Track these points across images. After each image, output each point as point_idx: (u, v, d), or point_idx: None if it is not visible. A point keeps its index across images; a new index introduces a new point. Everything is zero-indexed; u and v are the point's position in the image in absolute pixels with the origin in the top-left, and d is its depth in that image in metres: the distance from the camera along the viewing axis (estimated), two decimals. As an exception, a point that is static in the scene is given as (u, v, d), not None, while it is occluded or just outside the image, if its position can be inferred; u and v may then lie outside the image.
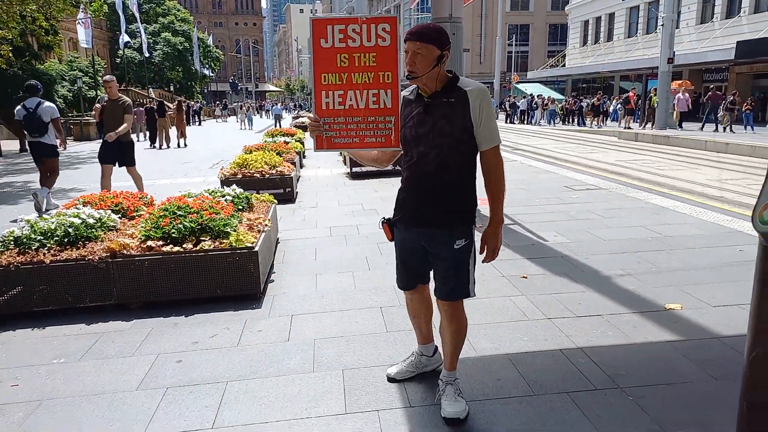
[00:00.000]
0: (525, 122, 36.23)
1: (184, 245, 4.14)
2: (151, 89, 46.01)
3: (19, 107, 8.25)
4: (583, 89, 45.15)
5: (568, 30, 50.17)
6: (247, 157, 8.89)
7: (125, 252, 4.02)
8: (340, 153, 14.03)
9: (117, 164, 8.11)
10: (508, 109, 38.95)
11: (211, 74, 66.75)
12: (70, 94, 29.25)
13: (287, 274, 4.99)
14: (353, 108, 2.66)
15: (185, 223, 4.22)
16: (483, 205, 2.71)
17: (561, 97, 40.79)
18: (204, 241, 4.21)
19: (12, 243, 4.08)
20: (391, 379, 3.02)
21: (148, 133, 21.37)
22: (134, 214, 4.99)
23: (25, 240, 4.05)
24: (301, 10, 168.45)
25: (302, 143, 14.06)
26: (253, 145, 10.92)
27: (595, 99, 30.50)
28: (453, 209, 2.54)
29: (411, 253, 2.69)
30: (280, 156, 9.63)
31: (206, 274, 4.12)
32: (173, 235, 4.16)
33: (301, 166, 12.50)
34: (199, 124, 39.56)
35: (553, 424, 2.63)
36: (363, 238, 6.16)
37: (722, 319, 3.74)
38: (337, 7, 56.12)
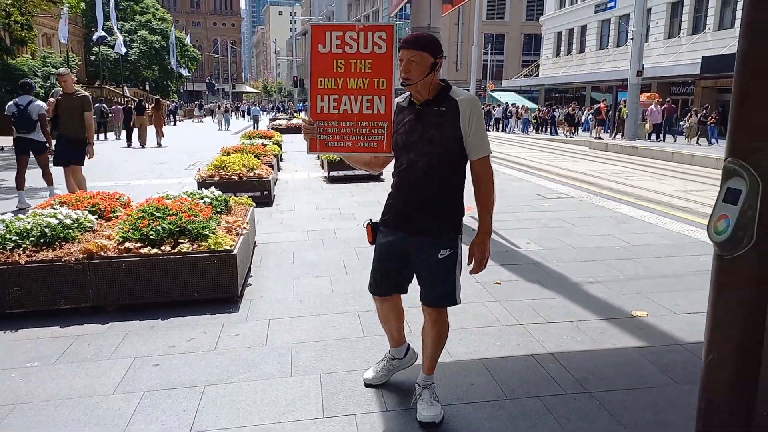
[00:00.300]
0: (499, 130, 36.67)
1: (163, 247, 4.14)
2: (126, 87, 45.27)
3: (10, 103, 8.27)
4: (555, 99, 45.90)
5: (542, 41, 51.01)
6: (225, 159, 8.87)
7: (102, 253, 4.01)
8: (318, 156, 14.05)
9: (66, 164, 7.78)
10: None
11: (187, 74, 66.01)
12: (42, 91, 28.66)
13: (265, 277, 5.02)
14: (347, 113, 2.71)
15: (164, 225, 4.23)
16: (468, 210, 2.75)
17: (534, 106, 41.43)
18: (182, 243, 4.22)
19: (-14, 243, 4.03)
20: (367, 384, 3.07)
21: (125, 132, 21.32)
22: (111, 215, 4.96)
23: None
24: (280, 12, 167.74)
25: (280, 146, 14.04)
26: (230, 146, 10.89)
27: (570, 109, 31.06)
28: (440, 217, 2.57)
29: (390, 258, 2.70)
30: (258, 158, 9.62)
31: (184, 276, 4.13)
32: (151, 236, 4.17)
33: (279, 169, 12.49)
34: (175, 124, 39.07)
35: (524, 427, 2.72)
36: (340, 243, 6.21)
37: (685, 326, 3.90)
38: (316, 11, 56.18)
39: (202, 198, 5.29)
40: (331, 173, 11.01)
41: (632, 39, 23.99)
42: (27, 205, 8.16)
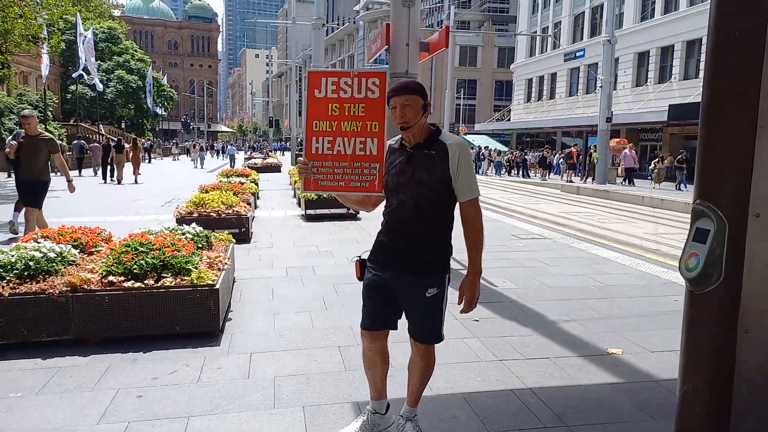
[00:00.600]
0: (473, 172, 37.30)
1: (146, 281, 4.15)
2: (101, 125, 45.09)
3: (9, 138, 9.05)
4: (526, 143, 47.15)
5: (513, 87, 52.67)
6: (204, 196, 8.91)
7: (86, 286, 4.00)
8: (295, 194, 14.14)
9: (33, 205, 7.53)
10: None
11: (163, 113, 66.05)
12: (18, 127, 28.46)
13: (245, 312, 5.03)
14: (341, 153, 2.81)
15: (147, 260, 4.25)
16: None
17: (505, 148, 42.43)
18: (166, 277, 4.24)
19: (-31, 275, 3.99)
20: None
21: (100, 169, 21.90)
22: (93, 249, 4.95)
23: (-17, 272, 3.97)
24: (257, 55, 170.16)
25: (256, 184, 14.10)
26: (209, 184, 10.92)
27: (544, 152, 31.91)
28: (428, 257, 2.62)
29: (377, 294, 2.72)
30: (236, 196, 9.67)
31: (166, 310, 4.13)
32: (135, 270, 4.18)
33: (256, 207, 12.53)
34: (149, 162, 38.91)
35: (506, 458, 2.78)
36: (319, 279, 6.26)
37: (660, 364, 4.02)
38: (293, 54, 57.13)
39: (183, 233, 5.31)
40: (308, 211, 11.07)
41: (601, 87, 24.94)
42: (16, 229, 8.33)
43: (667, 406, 3.32)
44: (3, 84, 28.45)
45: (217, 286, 4.31)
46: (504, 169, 35.61)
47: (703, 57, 28.46)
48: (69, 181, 7.78)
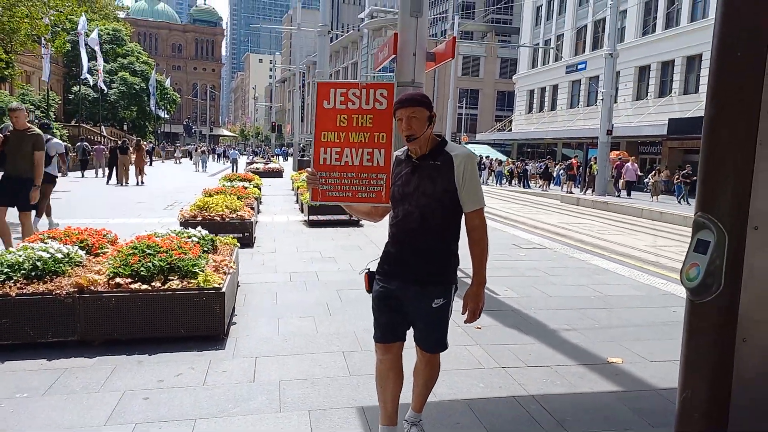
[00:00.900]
0: (473, 181, 37.49)
1: (153, 283, 4.20)
2: (103, 127, 45.25)
3: None
4: (527, 153, 47.33)
5: (515, 97, 52.88)
6: (207, 200, 8.96)
7: (93, 288, 4.05)
8: (297, 200, 14.20)
9: (9, 205, 7.02)
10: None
11: (166, 115, 66.27)
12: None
13: (249, 317, 5.07)
14: (348, 164, 2.86)
15: (154, 262, 4.30)
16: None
17: (504, 158, 42.62)
18: (172, 280, 4.29)
19: (-23, 275, 4.05)
20: None
21: (107, 170, 22.18)
22: (99, 251, 5.00)
23: (-9, 272, 4.02)
24: (260, 60, 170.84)
25: (259, 188, 14.17)
26: (212, 188, 10.97)
27: (548, 163, 32.01)
28: (435, 267, 2.62)
29: (387, 305, 2.71)
30: (240, 200, 9.73)
31: (172, 313, 4.18)
32: (142, 273, 4.23)
33: (258, 212, 12.58)
34: (150, 164, 39.01)
35: (508, 463, 2.82)
36: (323, 285, 6.31)
37: (659, 373, 4.07)
38: (297, 60, 57.30)
39: (190, 237, 5.36)
40: (311, 217, 11.13)
41: (602, 100, 25.06)
42: (56, 225, 8.62)
43: (667, 414, 3.37)
44: (6, 83, 28.63)
45: (224, 290, 4.36)
46: (505, 179, 35.72)
47: (702, 72, 28.70)
48: (36, 185, 6.95)
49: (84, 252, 4.86)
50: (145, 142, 40.94)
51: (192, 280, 4.34)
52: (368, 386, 3.62)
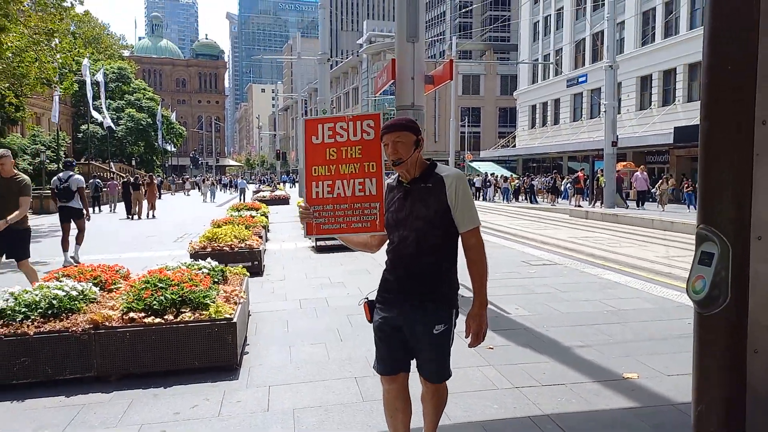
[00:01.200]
0: (479, 199, 37.56)
1: (165, 317, 4.24)
2: (111, 163, 45.85)
3: (54, 178, 9.97)
4: (533, 168, 47.34)
5: (517, 113, 53.16)
6: (216, 231, 9.05)
7: (108, 323, 4.10)
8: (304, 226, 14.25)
9: (5, 256, 6.53)
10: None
11: (172, 149, 67.06)
12: (31, 167, 29.22)
13: (261, 345, 5.09)
14: (341, 196, 2.88)
15: (166, 295, 4.35)
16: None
17: (509, 174, 42.71)
18: (184, 312, 4.33)
19: (-5, 315, 4.11)
20: None
21: (119, 205, 23.22)
22: (112, 286, 5.07)
23: (9, 312, 4.08)
24: (263, 90, 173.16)
25: (267, 217, 14.26)
26: (220, 219, 11.07)
27: (556, 177, 31.97)
28: (433, 293, 2.59)
29: (388, 335, 2.67)
30: (248, 229, 9.80)
31: (185, 345, 4.21)
32: (154, 306, 4.27)
33: (266, 240, 12.65)
34: (159, 197, 39.43)
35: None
36: (332, 311, 6.32)
37: (676, 387, 4.04)
38: (298, 88, 58.01)
39: (200, 268, 5.42)
40: (319, 243, 11.18)
41: (605, 111, 25.13)
42: (70, 263, 9.22)
43: (685, 429, 3.33)
44: (16, 125, 29.15)
45: (235, 320, 4.39)
46: (512, 195, 35.70)
47: (705, 79, 28.67)
48: (6, 222, 6.18)
49: (98, 288, 4.93)
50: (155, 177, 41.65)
51: (204, 312, 4.38)
52: (382, 411, 3.56)
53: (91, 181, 27.20)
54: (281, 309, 6.48)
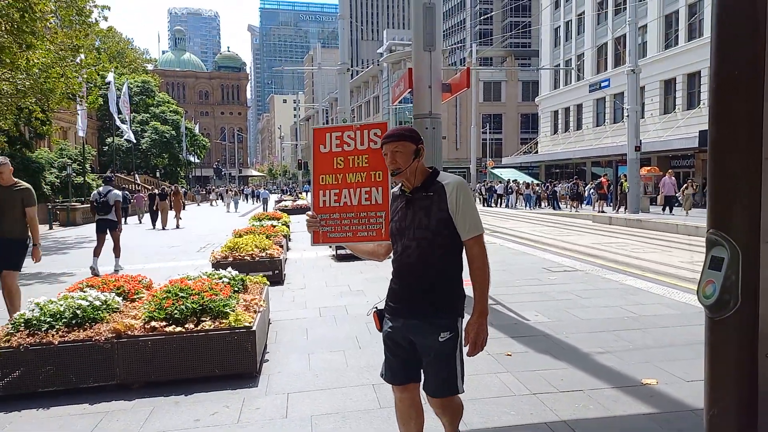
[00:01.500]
0: (500, 205, 37.38)
1: (186, 325, 4.33)
2: (136, 175, 46.76)
3: (94, 192, 10.88)
4: (555, 174, 46.97)
5: (539, 119, 52.81)
6: (237, 240, 9.17)
7: (130, 332, 4.20)
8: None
9: (3, 267, 6.11)
10: (484, 193, 40.20)
11: (196, 160, 68.09)
12: (58, 181, 29.91)
13: (281, 353, 5.15)
14: (347, 205, 2.92)
15: (187, 304, 4.44)
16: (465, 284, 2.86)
17: (530, 180, 42.46)
18: (204, 321, 4.41)
19: (22, 325, 4.24)
20: None
21: (149, 215, 23.79)
22: (135, 296, 5.19)
23: (35, 322, 4.22)
24: (284, 100, 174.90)
25: (288, 226, 14.39)
26: (242, 228, 11.22)
27: (578, 183, 31.60)
28: (438, 300, 2.58)
29: (396, 345, 2.68)
30: (269, 239, 9.92)
31: (206, 353, 4.29)
32: (175, 315, 4.37)
33: (287, 249, 12.77)
34: (183, 208, 40.11)
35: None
36: (352, 318, 6.37)
37: (695, 393, 3.98)
38: (319, 97, 58.50)
39: (220, 278, 5.51)
40: (339, 251, 11.26)
41: (628, 116, 24.84)
42: (120, 268, 10.62)
43: (705, 436, 3.30)
44: (44, 139, 29.85)
45: (254, 328, 4.46)
46: (534, 202, 35.43)
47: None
48: (35, 245, 6.26)
49: (121, 298, 5.05)
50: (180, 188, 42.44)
51: (224, 320, 4.46)
52: (399, 418, 3.64)
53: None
54: (301, 317, 6.55)
